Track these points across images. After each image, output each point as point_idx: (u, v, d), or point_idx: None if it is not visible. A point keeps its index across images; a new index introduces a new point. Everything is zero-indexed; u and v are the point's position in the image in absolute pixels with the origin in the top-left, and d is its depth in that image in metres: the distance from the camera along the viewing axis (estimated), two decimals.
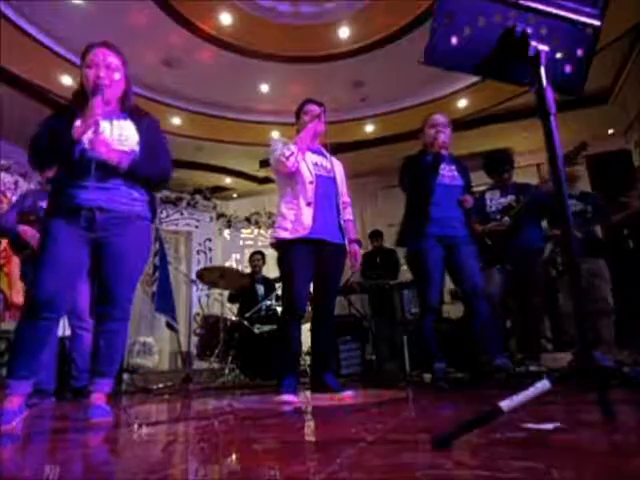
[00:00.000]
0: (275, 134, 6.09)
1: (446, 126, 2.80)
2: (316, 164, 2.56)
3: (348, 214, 2.71)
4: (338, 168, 2.70)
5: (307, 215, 2.41)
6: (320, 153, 2.66)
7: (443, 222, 2.66)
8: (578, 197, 3.54)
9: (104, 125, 1.81)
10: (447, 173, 2.77)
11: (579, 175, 3.56)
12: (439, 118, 2.83)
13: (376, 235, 6.07)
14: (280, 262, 2.50)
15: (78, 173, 1.76)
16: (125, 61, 1.92)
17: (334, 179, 2.60)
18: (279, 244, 2.47)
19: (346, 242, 2.59)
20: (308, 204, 2.43)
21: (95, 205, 1.77)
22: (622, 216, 3.51)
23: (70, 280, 1.77)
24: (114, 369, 1.88)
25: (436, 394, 2.42)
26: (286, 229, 2.42)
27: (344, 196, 2.69)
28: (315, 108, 2.62)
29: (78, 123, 1.75)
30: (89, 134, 1.76)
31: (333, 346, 2.81)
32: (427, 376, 3.68)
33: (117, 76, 1.87)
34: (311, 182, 2.47)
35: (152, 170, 1.88)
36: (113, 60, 1.86)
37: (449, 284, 4.94)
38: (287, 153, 2.42)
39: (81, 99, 1.85)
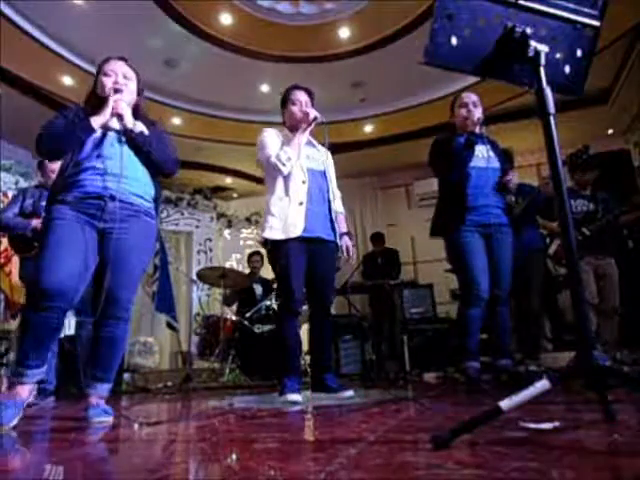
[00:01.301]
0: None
1: (477, 104, 2.61)
2: (308, 157, 2.48)
3: (338, 206, 2.62)
4: (327, 158, 2.61)
5: (299, 214, 2.35)
6: (309, 143, 2.58)
7: (481, 210, 2.50)
8: (589, 197, 3.54)
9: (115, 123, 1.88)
10: (482, 154, 2.56)
11: (589, 179, 3.55)
12: (469, 96, 2.67)
13: (377, 238, 6.06)
14: (273, 262, 2.43)
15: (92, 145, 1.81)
16: (139, 75, 2.01)
17: (325, 172, 2.54)
18: (270, 244, 2.39)
19: (337, 236, 2.51)
20: (300, 203, 2.37)
21: (106, 193, 1.76)
22: (633, 217, 3.50)
23: (81, 267, 1.69)
24: (113, 374, 1.84)
25: (436, 394, 2.42)
26: (277, 229, 2.35)
27: (334, 188, 2.59)
28: (303, 96, 2.54)
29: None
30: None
31: (331, 345, 2.73)
32: (428, 375, 3.69)
33: (132, 86, 1.96)
34: (304, 182, 2.41)
35: (163, 152, 1.92)
36: (128, 71, 1.96)
37: (449, 284, 4.98)
38: (284, 158, 2.34)
39: (93, 104, 1.90)
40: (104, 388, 1.80)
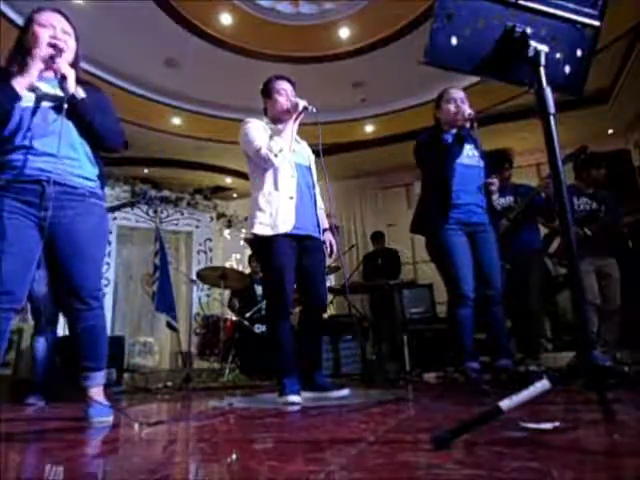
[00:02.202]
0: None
1: (464, 101, 2.53)
2: (294, 151, 2.43)
3: (320, 202, 2.56)
4: (309, 152, 2.59)
5: (289, 210, 2.28)
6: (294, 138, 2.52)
7: (464, 208, 2.45)
8: (591, 196, 3.54)
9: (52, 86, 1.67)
10: (467, 153, 2.51)
11: (596, 175, 3.55)
12: (456, 91, 2.58)
13: (377, 237, 6.06)
14: (263, 260, 2.35)
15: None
16: (77, 31, 1.80)
17: (310, 167, 2.50)
18: (258, 240, 2.30)
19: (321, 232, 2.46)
20: (291, 197, 2.31)
21: (44, 177, 1.59)
22: (634, 217, 3.51)
23: (25, 266, 1.58)
24: (104, 361, 1.79)
25: (436, 394, 2.41)
26: (267, 225, 2.27)
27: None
28: (288, 85, 2.48)
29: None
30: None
31: (322, 344, 2.66)
32: (428, 375, 3.68)
33: (71, 43, 1.75)
34: (292, 176, 2.36)
35: (105, 122, 1.73)
36: (67, 26, 1.75)
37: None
38: (276, 148, 2.27)
39: (20, 63, 1.67)
40: (98, 376, 1.76)
